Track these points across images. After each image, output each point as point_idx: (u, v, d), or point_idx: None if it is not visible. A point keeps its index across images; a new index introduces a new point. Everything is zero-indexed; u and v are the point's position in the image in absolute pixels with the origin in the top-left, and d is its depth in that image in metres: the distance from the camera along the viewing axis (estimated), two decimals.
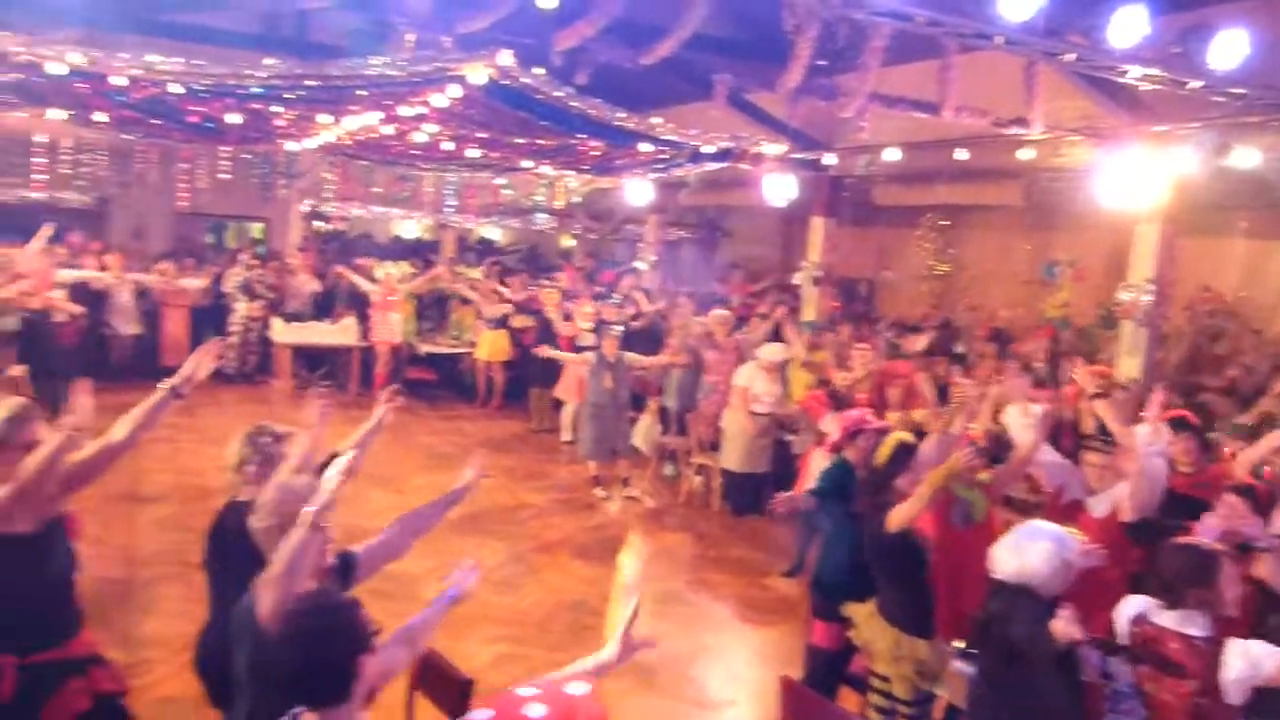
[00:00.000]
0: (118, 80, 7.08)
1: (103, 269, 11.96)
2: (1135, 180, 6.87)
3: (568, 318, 11.52)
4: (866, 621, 4.52)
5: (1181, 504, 5.09)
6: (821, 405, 7.07)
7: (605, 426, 9.12)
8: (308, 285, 13.48)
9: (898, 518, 4.28)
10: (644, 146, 8.85)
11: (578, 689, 1.98)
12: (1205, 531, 4.33)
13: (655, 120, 8.07)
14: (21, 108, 8.93)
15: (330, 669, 2.30)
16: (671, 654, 5.91)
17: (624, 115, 7.52)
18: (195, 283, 12.61)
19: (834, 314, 11.61)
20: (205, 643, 3.61)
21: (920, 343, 9.94)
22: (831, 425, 5.99)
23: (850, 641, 4.65)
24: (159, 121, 9.42)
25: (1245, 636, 3.45)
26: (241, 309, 12.91)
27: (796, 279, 11.91)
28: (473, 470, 3.77)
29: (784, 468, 8.41)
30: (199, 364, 3.69)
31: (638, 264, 15.46)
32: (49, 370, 8.95)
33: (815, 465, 6.35)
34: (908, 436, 4.77)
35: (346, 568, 3.22)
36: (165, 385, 3.58)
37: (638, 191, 12.44)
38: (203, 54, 7.10)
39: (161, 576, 6.46)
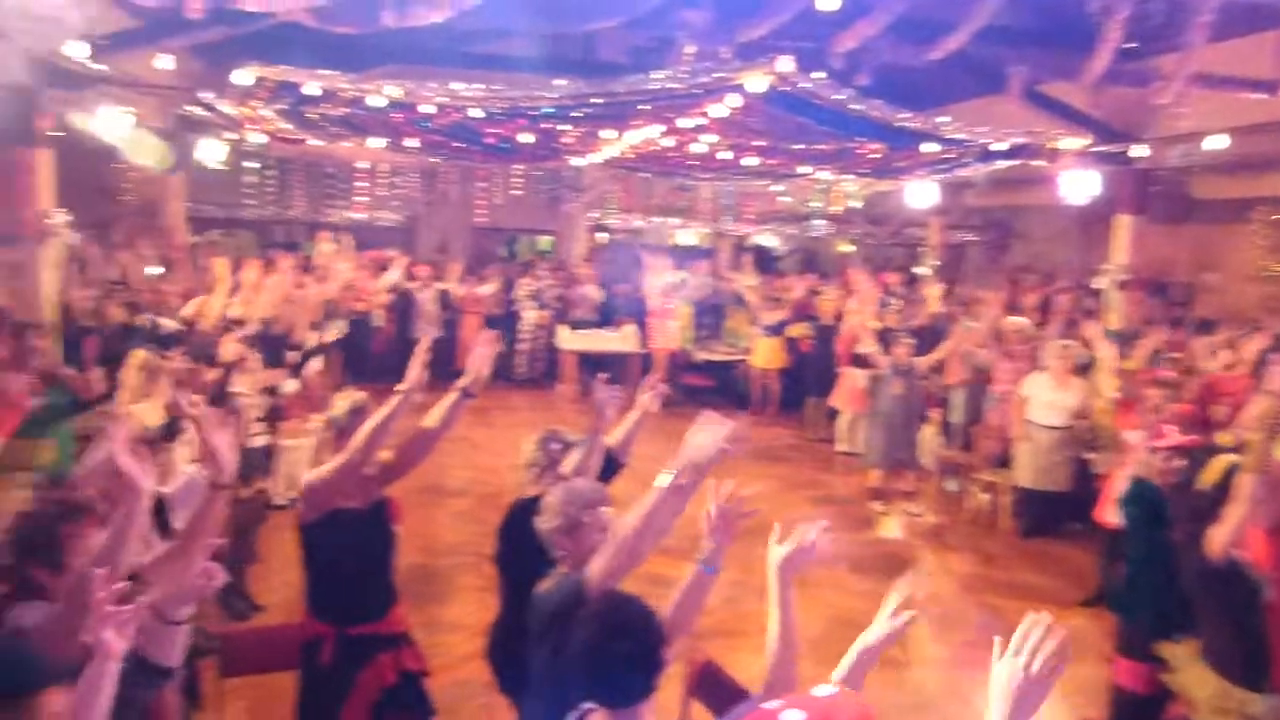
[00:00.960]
0: (426, 108, 7.72)
1: (412, 279, 13.11)
2: None
3: (847, 324, 11.26)
4: (1185, 665, 4.01)
5: None
6: (1130, 418, 6.44)
7: (894, 436, 8.76)
8: (592, 295, 14.08)
9: (1219, 539, 3.78)
10: (928, 147, 8.50)
11: (824, 690, 1.91)
12: None
13: (941, 119, 7.71)
14: (347, 138, 9.96)
15: (640, 664, 2.35)
16: (950, 684, 5.60)
17: (907, 115, 7.25)
18: (488, 288, 13.54)
19: (1146, 319, 10.56)
20: (496, 633, 3.83)
21: (1255, 345, 8.68)
22: (1136, 440, 5.43)
23: (1164, 685, 4.17)
24: (461, 144, 10.18)
25: None
26: (531, 317, 13.69)
27: (1098, 282, 10.96)
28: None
29: (1084, 487, 7.74)
30: (479, 364, 3.87)
31: (919, 269, 14.89)
32: (365, 372, 9.91)
33: (1119, 485, 5.79)
34: (1238, 458, 4.21)
35: None
36: (458, 386, 3.83)
37: (920, 193, 11.98)
38: (497, 80, 7.60)
39: (460, 565, 6.93)
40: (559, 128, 8.88)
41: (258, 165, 12.56)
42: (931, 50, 6.08)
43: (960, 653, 6.06)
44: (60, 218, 7.78)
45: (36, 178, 7.70)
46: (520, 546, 3.39)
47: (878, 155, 9.51)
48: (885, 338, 9.70)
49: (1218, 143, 8.43)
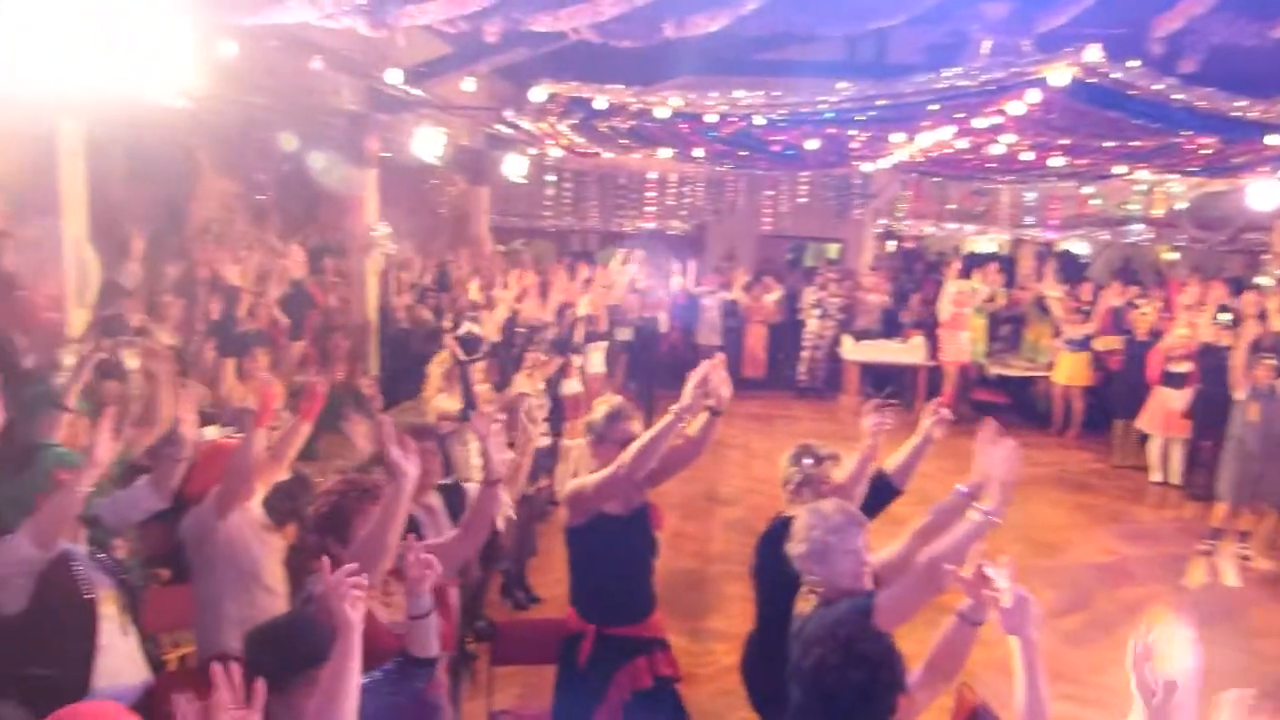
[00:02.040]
0: (710, 118, 7.81)
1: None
2: None
3: (1166, 339, 10.15)
4: None
5: None
6: None
7: (1248, 467, 7.65)
8: (879, 304, 13.66)
9: None
10: (1274, 139, 7.44)
11: None
12: None
13: None
14: (636, 150, 10.29)
15: (869, 698, 2.26)
16: None
17: (1244, 103, 6.39)
18: (772, 296, 13.51)
19: None
20: (750, 648, 3.76)
21: None
22: None
23: None
24: (746, 152, 10.22)
25: None
26: (814, 326, 13.50)
27: None
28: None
29: None
30: (717, 385, 3.78)
31: (1261, 279, 13.14)
32: (648, 376, 10.18)
33: None
34: None
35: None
36: (705, 407, 3.78)
37: (1264, 193, 10.53)
38: (781, 86, 7.54)
39: (728, 574, 6.92)
40: (846, 132, 8.68)
41: (555, 178, 13.27)
42: (1276, 27, 5.30)
43: None
44: (383, 230, 8.61)
45: (364, 195, 8.57)
46: (774, 565, 3.31)
47: (1209, 150, 8.49)
48: (1213, 355, 8.63)
49: None
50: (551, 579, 6.52)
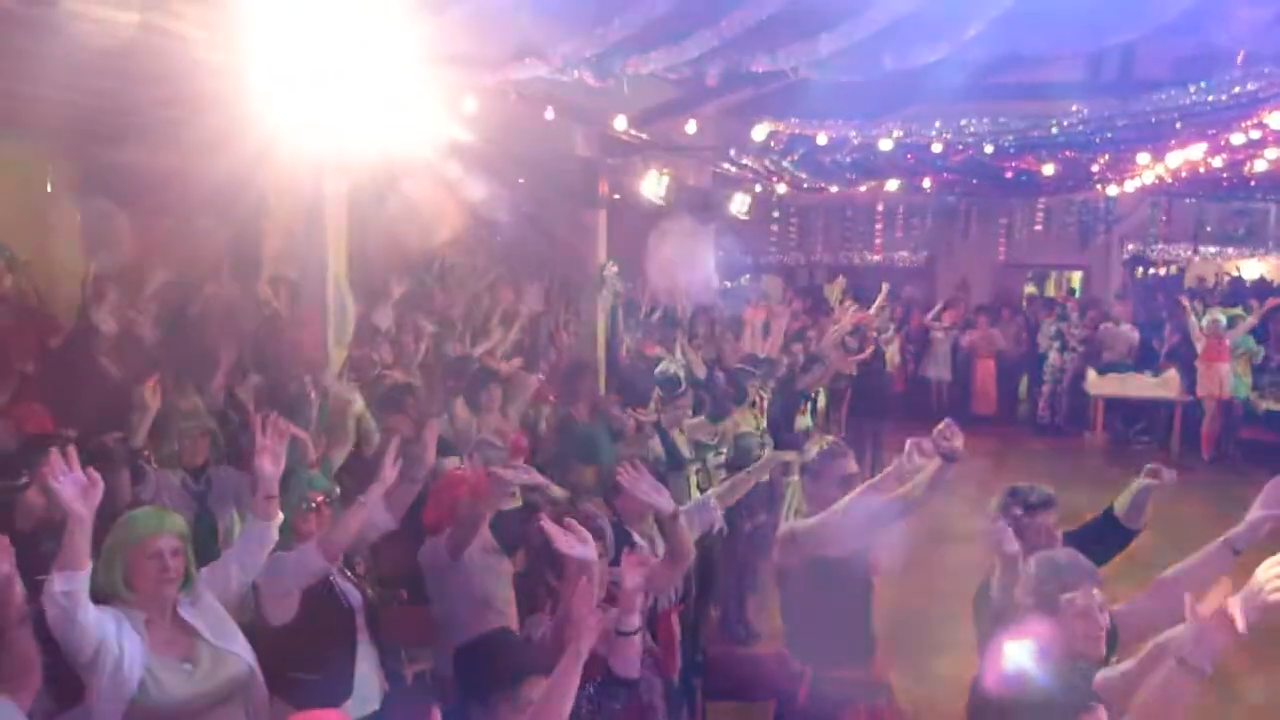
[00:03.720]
0: (936, 147, 7.66)
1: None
2: None
3: None
4: None
5: None
6: None
7: None
8: (1127, 335, 12.76)
9: None
10: None
11: None
12: None
13: None
14: (861, 182, 10.21)
15: None
16: None
17: None
18: (1001, 330, 12.95)
19: None
20: (975, 695, 3.63)
21: None
22: None
23: None
24: (977, 180, 9.91)
25: None
26: (1053, 359, 12.78)
27: None
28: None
29: None
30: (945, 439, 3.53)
31: None
32: (873, 412, 9.98)
33: None
34: None
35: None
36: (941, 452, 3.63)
37: None
38: (1012, 111, 7.28)
39: (958, 614, 6.65)
40: (1086, 155, 8.26)
41: (780, 213, 13.36)
42: None
43: None
44: (613, 269, 8.98)
45: (596, 235, 8.98)
46: (988, 609, 3.21)
47: None
48: None
49: None
50: (772, 615, 6.52)
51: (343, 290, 6.05)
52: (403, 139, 5.31)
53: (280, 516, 3.33)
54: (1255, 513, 3.09)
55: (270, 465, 3.32)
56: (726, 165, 10.32)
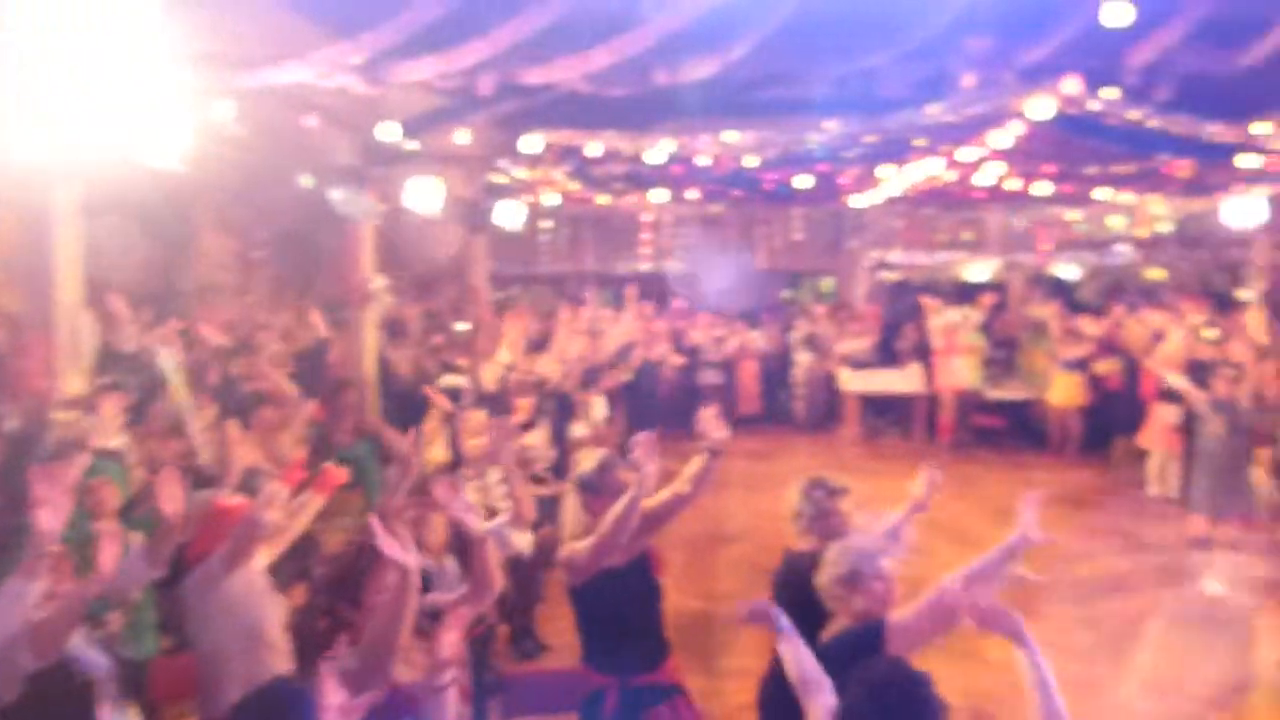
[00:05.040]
0: (702, 160, 7.95)
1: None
2: None
3: (1156, 357, 10.24)
4: None
5: None
6: None
7: (1217, 479, 7.76)
8: (871, 334, 13.75)
9: None
10: (1245, 160, 7.61)
11: None
12: None
13: (1259, 128, 6.89)
14: (630, 193, 10.43)
15: None
16: None
17: (1218, 128, 6.54)
18: (761, 333, 13.62)
19: None
20: (767, 684, 3.78)
21: None
22: None
23: None
24: (740, 191, 10.38)
25: None
26: (804, 360, 13.56)
27: None
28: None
29: None
30: (711, 428, 3.82)
31: (1242, 293, 13.27)
32: (646, 418, 10.18)
33: None
34: None
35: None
36: (701, 449, 3.81)
37: (1241, 211, 10.69)
38: (771, 126, 7.68)
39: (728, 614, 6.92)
40: (836, 168, 8.84)
41: (551, 224, 13.43)
42: (1243, 55, 5.46)
43: None
44: (380, 283, 8.68)
45: (362, 249, 8.65)
46: (793, 599, 3.35)
47: (1186, 173, 8.66)
48: (1202, 370, 8.71)
49: None
50: (560, 627, 6.49)
51: (77, 311, 5.48)
52: (147, 145, 4.85)
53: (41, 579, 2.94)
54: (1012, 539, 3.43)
55: (48, 520, 2.94)
56: (497, 175, 10.25)
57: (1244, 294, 13.14)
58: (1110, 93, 6.04)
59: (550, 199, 11.52)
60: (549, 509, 6.80)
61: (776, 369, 13.75)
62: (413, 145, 8.36)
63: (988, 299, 13.24)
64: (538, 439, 6.77)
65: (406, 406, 7.68)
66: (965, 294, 15.71)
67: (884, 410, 13.24)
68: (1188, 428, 9.13)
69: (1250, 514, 7.97)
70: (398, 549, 2.83)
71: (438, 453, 6.14)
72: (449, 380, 7.09)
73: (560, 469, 7.20)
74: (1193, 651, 6.23)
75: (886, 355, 13.56)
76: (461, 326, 10.32)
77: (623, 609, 3.87)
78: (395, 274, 9.23)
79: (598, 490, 3.93)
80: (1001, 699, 3.26)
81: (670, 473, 4.01)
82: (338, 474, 4.17)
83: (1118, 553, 8.45)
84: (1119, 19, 4.98)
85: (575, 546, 3.90)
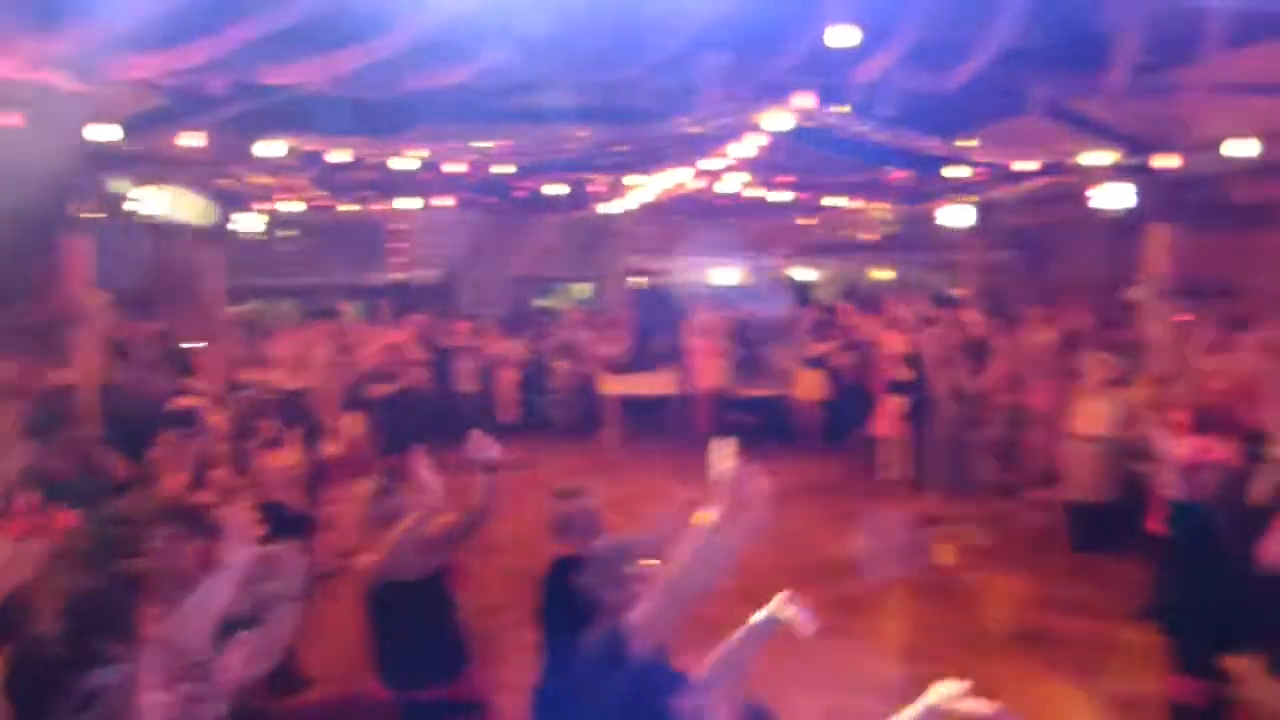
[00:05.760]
0: (454, 167, 7.83)
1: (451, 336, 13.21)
2: None
3: (883, 350, 11.12)
4: (1253, 678, 3.93)
5: None
6: (1179, 429, 6.23)
7: (948, 458, 8.56)
8: (629, 338, 14.07)
9: (1274, 549, 3.71)
10: (955, 171, 8.44)
11: None
12: None
13: (967, 143, 7.67)
14: (379, 200, 10.12)
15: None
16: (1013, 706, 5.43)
17: (933, 142, 7.21)
18: (518, 342, 13.62)
19: (1187, 324, 10.30)
20: (539, 694, 3.77)
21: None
22: (1175, 453, 5.27)
23: (1220, 699, 4.06)
24: (493, 199, 10.32)
25: None
26: (563, 366, 13.69)
27: (1135, 294, 10.75)
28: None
29: (1136, 498, 7.52)
30: (483, 449, 3.86)
31: (956, 291, 14.72)
32: (404, 432, 9.91)
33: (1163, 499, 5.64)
34: None
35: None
36: (478, 466, 3.79)
37: (954, 216, 11.86)
38: (523, 134, 7.69)
39: (509, 624, 6.84)
40: (587, 176, 8.98)
41: (295, 232, 12.80)
42: (952, 76, 6.05)
43: (1018, 676, 5.88)
44: (99, 298, 7.93)
45: (76, 259, 7.86)
46: (560, 604, 3.35)
47: (908, 182, 9.47)
48: (928, 362, 9.56)
49: (1248, 148, 8.23)
50: (320, 657, 6.19)
51: None
52: None
53: None
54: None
55: None
56: (228, 181, 9.63)
57: (959, 291, 14.57)
58: (841, 108, 6.51)
59: (292, 207, 10.95)
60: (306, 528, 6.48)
61: (534, 376, 13.76)
62: (134, 148, 7.70)
63: (741, 304, 13.90)
64: (288, 458, 6.41)
65: (134, 433, 7.05)
66: (716, 297, 16.41)
67: (642, 413, 13.56)
68: (917, 415, 9.99)
69: (973, 490, 8.85)
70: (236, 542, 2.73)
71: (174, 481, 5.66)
72: (182, 401, 6.57)
73: (313, 487, 6.88)
74: (932, 618, 6.79)
75: (642, 359, 13.91)
76: (193, 345, 9.62)
77: (411, 622, 3.81)
78: (117, 289, 8.44)
79: (379, 521, 3.89)
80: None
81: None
82: (63, 516, 3.77)
83: (859, 534, 9.08)
84: (845, 40, 5.37)
85: (365, 561, 3.86)
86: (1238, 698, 4.02)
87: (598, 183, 9.43)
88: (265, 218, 11.10)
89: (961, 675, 2.52)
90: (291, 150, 7.46)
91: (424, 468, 3.70)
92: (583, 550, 3.43)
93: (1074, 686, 5.95)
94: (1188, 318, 10.78)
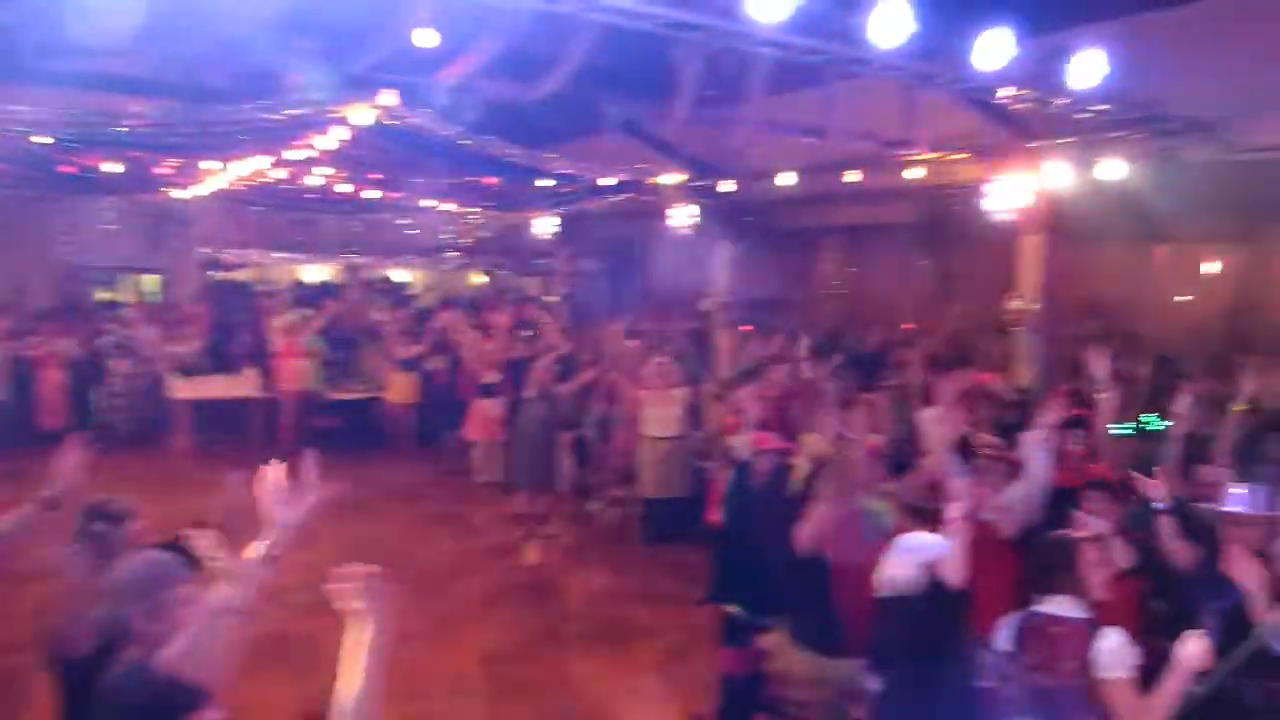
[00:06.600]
0: None
1: None
2: (1016, 194, 7.07)
3: (471, 355, 11.29)
4: (782, 650, 4.48)
5: (1068, 499, 5.02)
6: (739, 427, 7.01)
7: (534, 459, 8.82)
8: (200, 337, 13.00)
9: (805, 536, 4.26)
10: (542, 181, 8.82)
11: None
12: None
13: (549, 155, 8.04)
14: None
15: None
16: (596, 697, 5.79)
17: (517, 151, 7.47)
18: (67, 340, 12.12)
19: (746, 335, 11.61)
20: None
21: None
22: (740, 446, 5.95)
23: (760, 666, 4.62)
24: (33, 173, 9.05)
25: (1131, 621, 3.57)
26: (122, 367, 12.38)
27: (705, 305, 11.95)
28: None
29: (703, 493, 8.33)
30: (68, 473, 3.41)
31: (548, 297, 15.36)
32: None
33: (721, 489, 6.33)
34: (821, 456, 4.78)
35: None
36: (38, 498, 3.34)
37: (545, 225, 12.38)
38: (73, 102, 6.83)
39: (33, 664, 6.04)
40: (151, 157, 8.17)
41: None
42: (533, 89, 6.32)
43: (603, 667, 6.26)
44: None
45: None
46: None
47: (500, 189, 9.72)
48: (522, 365, 9.84)
49: (788, 179, 9.50)
50: None
51: None
52: None
53: None
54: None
55: None
56: None
57: (550, 298, 15.20)
58: (426, 110, 6.53)
59: None
60: None
61: (90, 377, 12.26)
62: None
63: (332, 305, 13.35)
64: None
65: None
66: (304, 296, 15.70)
67: (218, 418, 12.59)
68: (510, 418, 10.24)
69: (557, 490, 9.25)
70: None
71: None
72: None
73: None
74: (518, 617, 7.01)
75: (218, 359, 12.92)
76: None
77: None
78: None
79: None
80: None
81: None
82: None
83: (449, 537, 9.14)
84: (427, 41, 5.39)
85: None
86: (771, 668, 4.55)
87: (165, 164, 8.60)
88: None
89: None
90: None
91: None
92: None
93: (652, 672, 6.41)
94: (748, 329, 12.19)
